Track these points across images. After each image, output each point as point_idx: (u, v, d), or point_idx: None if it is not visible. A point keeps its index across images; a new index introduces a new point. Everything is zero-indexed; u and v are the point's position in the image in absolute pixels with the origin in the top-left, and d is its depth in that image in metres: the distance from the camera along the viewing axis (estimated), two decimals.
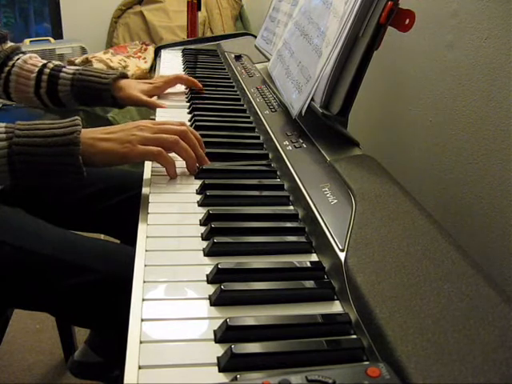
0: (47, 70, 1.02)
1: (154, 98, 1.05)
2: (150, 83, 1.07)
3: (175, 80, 1.09)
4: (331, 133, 0.74)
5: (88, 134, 0.68)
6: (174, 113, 0.99)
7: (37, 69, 1.02)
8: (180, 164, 0.72)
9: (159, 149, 0.68)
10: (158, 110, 0.99)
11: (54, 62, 1.06)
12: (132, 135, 0.68)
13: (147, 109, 1.05)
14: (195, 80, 1.09)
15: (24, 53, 1.06)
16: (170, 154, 0.70)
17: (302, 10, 0.90)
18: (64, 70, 1.03)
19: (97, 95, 1.01)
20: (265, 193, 0.69)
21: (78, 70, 1.03)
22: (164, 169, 0.70)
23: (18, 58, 1.03)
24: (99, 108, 2.15)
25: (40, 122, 0.67)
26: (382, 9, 0.65)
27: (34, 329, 1.51)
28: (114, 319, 0.70)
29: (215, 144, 0.82)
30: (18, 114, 2.34)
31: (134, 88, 1.02)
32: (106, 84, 1.00)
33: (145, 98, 1.01)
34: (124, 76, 1.05)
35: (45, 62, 1.05)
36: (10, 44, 1.04)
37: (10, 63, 1.02)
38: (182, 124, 0.73)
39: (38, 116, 2.15)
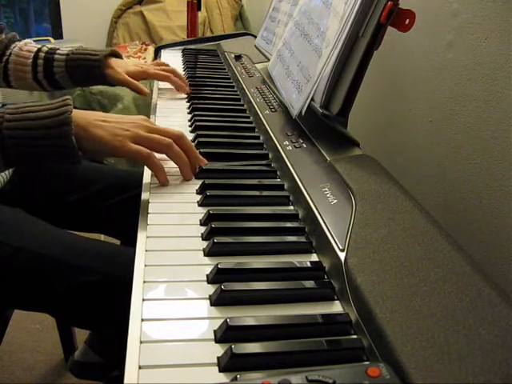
0: (42, 54, 1.05)
1: (156, 93, 1.06)
2: (140, 66, 1.08)
3: (164, 76, 1.08)
4: (331, 133, 0.74)
5: (83, 115, 0.66)
6: (174, 113, 0.99)
7: (32, 54, 1.05)
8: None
9: (149, 152, 0.66)
10: (158, 109, 0.99)
11: (47, 45, 1.08)
12: (126, 130, 0.66)
13: (148, 108, 1.05)
14: (183, 85, 1.09)
15: (19, 40, 1.09)
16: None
17: (302, 10, 0.90)
18: (58, 52, 1.06)
19: (89, 73, 1.03)
20: (265, 193, 0.69)
21: (70, 50, 1.06)
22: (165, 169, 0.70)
23: (15, 46, 1.06)
24: (99, 107, 2.16)
25: (30, 104, 0.65)
26: (382, 9, 0.65)
27: (34, 329, 1.51)
28: (113, 319, 0.70)
29: (215, 144, 0.82)
30: None
31: (121, 67, 1.04)
32: (97, 61, 1.02)
33: (128, 78, 1.02)
34: (115, 54, 1.07)
35: (39, 46, 1.07)
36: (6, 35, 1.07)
37: (8, 52, 1.05)
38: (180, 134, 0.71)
39: None
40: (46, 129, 0.63)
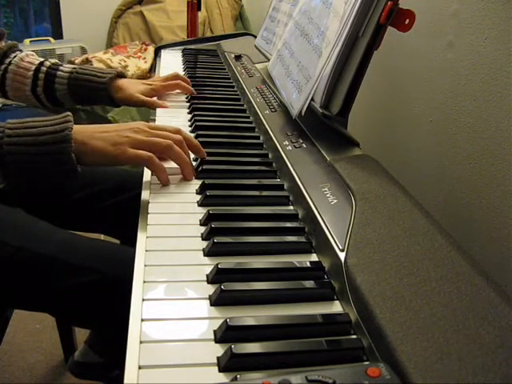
0: (44, 69, 1.02)
1: (154, 99, 1.05)
2: (149, 84, 1.06)
3: (173, 85, 1.07)
4: (331, 133, 0.74)
5: (81, 130, 0.66)
6: (174, 113, 0.99)
7: (34, 67, 1.01)
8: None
9: (150, 154, 0.66)
10: (158, 109, 0.99)
11: (50, 60, 1.05)
12: (125, 137, 0.67)
13: (148, 109, 1.05)
14: (190, 88, 1.08)
15: (21, 50, 1.05)
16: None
17: (302, 10, 0.90)
18: (61, 68, 1.02)
19: (94, 94, 1.01)
20: (265, 193, 0.69)
21: (74, 68, 1.02)
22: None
23: (15, 56, 1.03)
24: (99, 108, 2.16)
25: (31, 120, 0.66)
26: (381, 9, 0.65)
27: (34, 329, 1.51)
28: (113, 319, 0.70)
29: (215, 144, 0.82)
30: (18, 114, 2.33)
31: (132, 88, 1.01)
32: (103, 83, 1.00)
33: (144, 97, 1.00)
34: (121, 75, 1.04)
35: (42, 59, 1.04)
36: (7, 42, 1.04)
37: (7, 61, 1.02)
38: (178, 131, 0.72)
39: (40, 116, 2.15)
40: (47, 145, 0.63)
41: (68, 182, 0.68)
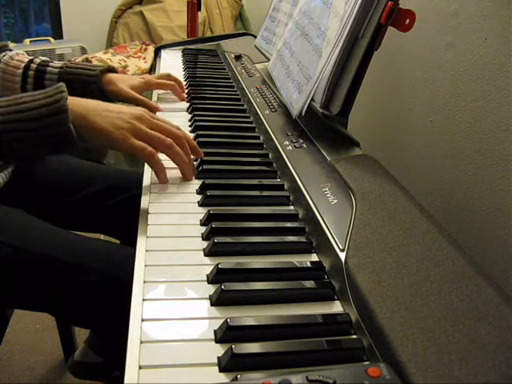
0: (34, 66, 1.00)
1: (155, 100, 1.05)
2: (142, 78, 1.05)
3: (168, 85, 1.06)
4: (331, 133, 0.74)
5: (80, 102, 0.64)
6: (174, 112, 0.99)
7: (23, 64, 1.00)
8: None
9: (152, 151, 0.66)
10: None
11: (40, 57, 1.04)
12: (128, 122, 0.66)
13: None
14: (182, 94, 1.07)
15: (11, 50, 1.04)
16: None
17: (303, 10, 0.90)
18: (51, 64, 1.02)
19: (85, 88, 0.99)
20: (265, 193, 0.69)
21: (64, 63, 1.02)
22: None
23: (4, 55, 1.02)
24: None
25: (23, 95, 0.64)
26: (382, 9, 0.65)
27: (34, 329, 1.51)
28: (113, 319, 0.70)
29: (215, 144, 0.82)
30: None
31: (124, 82, 1.00)
32: (94, 76, 0.98)
33: (135, 94, 0.99)
34: (112, 70, 1.03)
35: (31, 57, 1.03)
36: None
37: None
38: (178, 129, 0.71)
39: None
40: (42, 118, 0.61)
41: (69, 153, 0.66)
